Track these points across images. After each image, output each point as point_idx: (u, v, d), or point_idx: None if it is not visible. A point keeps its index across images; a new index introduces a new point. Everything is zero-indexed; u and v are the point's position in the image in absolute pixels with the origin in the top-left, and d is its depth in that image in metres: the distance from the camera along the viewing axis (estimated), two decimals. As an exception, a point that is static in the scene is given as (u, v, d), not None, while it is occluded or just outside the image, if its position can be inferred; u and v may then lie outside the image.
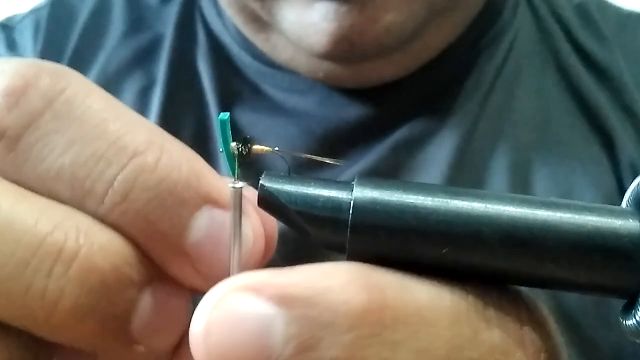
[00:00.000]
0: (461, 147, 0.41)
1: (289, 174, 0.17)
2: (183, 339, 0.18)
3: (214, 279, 0.17)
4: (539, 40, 0.46)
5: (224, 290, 0.15)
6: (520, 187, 0.40)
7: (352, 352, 0.14)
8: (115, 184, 0.16)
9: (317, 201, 0.16)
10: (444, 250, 0.15)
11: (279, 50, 0.42)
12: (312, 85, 0.43)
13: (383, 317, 0.15)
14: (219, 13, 0.46)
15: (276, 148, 0.19)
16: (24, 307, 0.15)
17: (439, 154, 0.41)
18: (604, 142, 0.42)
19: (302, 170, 0.40)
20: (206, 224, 0.17)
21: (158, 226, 0.16)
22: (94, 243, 0.16)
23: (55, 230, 0.16)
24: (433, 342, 0.15)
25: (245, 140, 0.18)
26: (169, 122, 0.42)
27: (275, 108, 0.43)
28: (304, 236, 0.17)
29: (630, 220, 0.16)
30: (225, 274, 0.17)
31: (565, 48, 0.45)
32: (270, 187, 0.17)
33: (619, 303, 0.17)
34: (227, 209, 0.17)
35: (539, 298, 0.18)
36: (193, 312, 0.18)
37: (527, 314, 0.17)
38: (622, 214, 0.16)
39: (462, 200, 0.16)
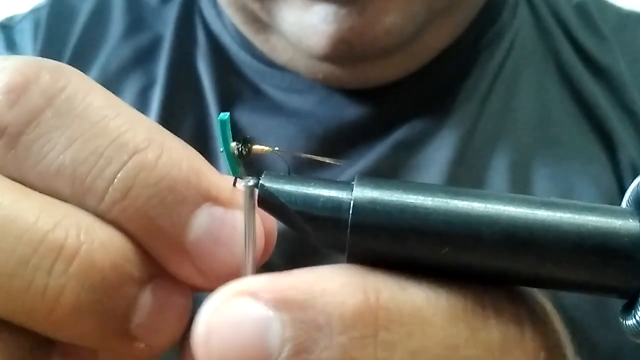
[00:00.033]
0: (461, 147, 0.41)
1: (289, 174, 0.17)
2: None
3: (214, 277, 0.17)
4: (538, 40, 0.46)
5: (224, 295, 0.15)
6: (520, 187, 0.40)
7: (348, 353, 0.14)
8: (116, 181, 0.16)
9: (317, 201, 0.16)
10: (444, 250, 0.15)
11: (279, 51, 0.42)
12: (312, 85, 0.43)
13: (378, 318, 0.15)
14: (219, 13, 0.46)
15: (276, 148, 0.19)
16: (24, 305, 0.15)
17: (439, 154, 0.41)
18: (604, 142, 0.42)
19: (302, 170, 0.40)
20: (206, 221, 0.17)
21: (158, 223, 0.16)
22: (95, 240, 0.16)
23: (56, 227, 0.16)
24: (429, 342, 0.15)
25: (245, 140, 0.18)
26: (169, 121, 0.42)
27: (275, 108, 0.43)
28: (304, 236, 0.17)
29: (630, 220, 0.16)
30: (236, 270, 0.17)
31: (565, 48, 0.45)
32: (270, 187, 0.17)
33: (619, 303, 0.17)
34: (226, 206, 0.17)
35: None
36: (193, 309, 0.18)
37: (527, 312, 0.17)
38: (622, 214, 0.16)
39: (462, 200, 0.16)
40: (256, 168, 0.18)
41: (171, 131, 0.18)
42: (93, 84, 0.18)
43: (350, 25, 0.36)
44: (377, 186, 0.16)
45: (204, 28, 0.47)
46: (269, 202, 0.17)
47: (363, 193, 0.16)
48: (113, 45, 0.47)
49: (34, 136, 0.16)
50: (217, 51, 0.46)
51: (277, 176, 0.17)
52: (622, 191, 0.27)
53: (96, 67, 0.46)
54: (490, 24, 0.45)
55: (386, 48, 0.38)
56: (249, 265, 0.17)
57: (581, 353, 0.19)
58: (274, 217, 0.17)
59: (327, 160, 0.20)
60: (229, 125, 0.17)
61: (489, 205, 0.16)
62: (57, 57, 0.46)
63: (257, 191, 0.17)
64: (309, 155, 0.21)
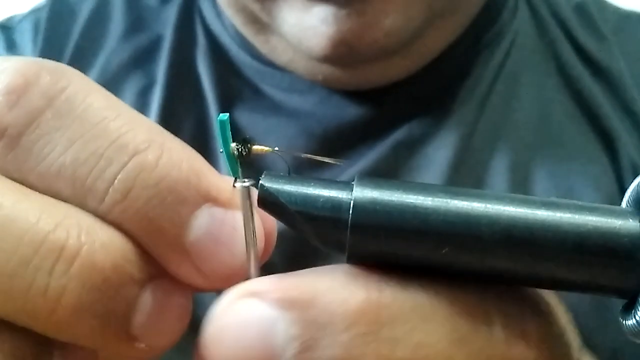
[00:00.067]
0: (461, 147, 0.41)
1: (289, 174, 0.17)
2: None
3: (214, 277, 0.17)
4: (538, 40, 0.46)
5: (231, 297, 0.16)
6: (520, 187, 0.40)
7: (351, 350, 0.15)
8: (116, 182, 0.16)
9: (317, 201, 0.16)
10: (444, 250, 0.15)
11: (279, 52, 0.42)
12: (311, 85, 0.43)
13: (380, 315, 0.15)
14: (218, 14, 0.46)
15: (276, 148, 0.19)
16: (25, 305, 0.15)
17: (439, 154, 0.41)
18: (604, 142, 0.42)
19: (302, 170, 0.40)
20: (206, 222, 0.17)
21: (158, 224, 0.16)
22: (96, 241, 0.16)
23: (57, 228, 0.16)
24: (432, 338, 0.15)
25: (245, 141, 0.18)
26: (169, 122, 0.42)
27: (275, 108, 0.43)
28: (304, 236, 0.17)
29: (630, 220, 0.16)
30: (236, 271, 0.17)
31: (565, 48, 0.45)
32: (270, 187, 0.17)
33: (618, 303, 0.17)
34: (226, 207, 0.17)
35: None
36: (193, 310, 0.18)
37: (530, 307, 0.17)
38: (622, 214, 0.16)
39: (462, 200, 0.16)
40: (256, 168, 0.18)
41: (171, 131, 0.18)
42: (93, 85, 0.18)
43: (349, 27, 0.35)
44: (377, 186, 0.16)
45: (204, 28, 0.47)
46: (269, 202, 0.17)
47: (363, 193, 0.16)
48: (113, 45, 0.47)
49: (34, 137, 0.16)
50: (217, 51, 0.46)
51: (277, 176, 0.17)
52: (622, 191, 0.27)
53: (96, 68, 0.46)
54: (490, 24, 0.45)
55: (386, 49, 0.38)
56: (252, 267, 0.17)
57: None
58: (274, 217, 0.17)
59: (327, 160, 0.20)
60: (228, 126, 0.17)
61: (488, 205, 0.16)
62: (57, 57, 0.46)
63: (255, 191, 0.17)
64: (309, 155, 0.21)
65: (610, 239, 0.15)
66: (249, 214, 0.17)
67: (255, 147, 0.18)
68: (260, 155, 0.18)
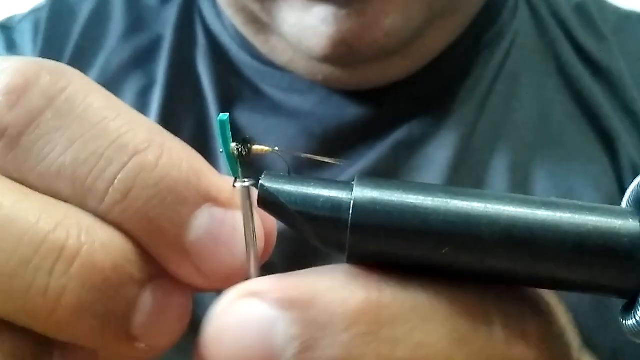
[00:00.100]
0: (461, 147, 0.41)
1: (289, 174, 0.17)
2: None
3: (214, 277, 0.17)
4: (538, 40, 0.46)
5: (231, 298, 0.16)
6: (520, 187, 0.40)
7: (351, 350, 0.15)
8: (116, 182, 0.16)
9: (317, 201, 0.16)
10: (444, 250, 0.15)
11: (279, 52, 0.42)
12: (311, 85, 0.43)
13: (380, 315, 0.15)
14: (218, 14, 0.46)
15: (276, 148, 0.19)
16: (25, 305, 0.15)
17: (439, 154, 0.41)
18: (604, 142, 0.42)
19: (302, 170, 0.40)
20: (206, 222, 0.17)
21: (158, 224, 0.16)
22: (96, 241, 0.16)
23: (57, 228, 0.16)
24: (432, 338, 0.15)
25: (245, 141, 0.18)
26: (169, 122, 0.42)
27: (275, 108, 0.43)
28: (304, 236, 0.17)
29: (630, 220, 0.16)
30: (236, 271, 0.17)
31: (565, 48, 0.45)
32: (270, 187, 0.17)
33: (619, 303, 0.17)
34: (226, 207, 0.17)
35: None
36: (193, 310, 0.18)
37: (530, 307, 0.17)
38: (622, 214, 0.16)
39: (462, 200, 0.16)
40: (256, 168, 0.18)
41: (171, 131, 0.18)
42: (93, 85, 0.18)
43: (349, 27, 0.36)
44: (377, 186, 0.16)
45: (204, 28, 0.47)
46: (269, 202, 0.17)
47: (363, 193, 0.16)
48: (113, 45, 0.47)
49: (34, 137, 0.16)
50: (217, 51, 0.46)
51: (277, 176, 0.17)
52: (623, 191, 0.27)
53: (96, 68, 0.46)
54: (490, 24, 0.45)
55: (386, 49, 0.38)
56: (252, 267, 0.17)
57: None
58: (274, 217, 0.17)
59: (327, 160, 0.20)
60: (228, 126, 0.17)
61: (488, 205, 0.16)
62: (57, 57, 0.46)
63: (255, 191, 0.17)
64: (309, 155, 0.21)
65: (610, 239, 0.15)
66: (249, 214, 0.17)
67: (255, 147, 0.18)
68: (260, 155, 0.18)
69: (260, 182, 0.17)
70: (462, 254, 0.16)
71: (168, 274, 0.17)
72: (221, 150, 0.18)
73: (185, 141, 0.18)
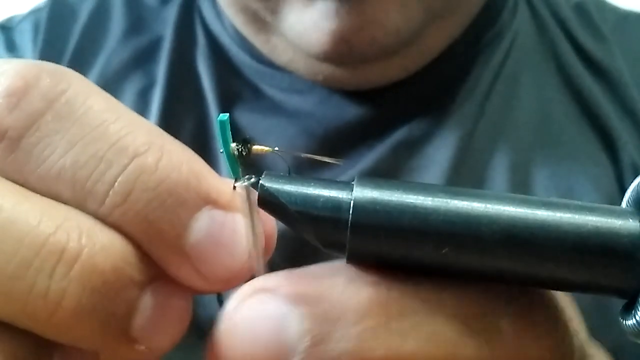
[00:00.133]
0: (461, 147, 0.41)
1: (289, 174, 0.17)
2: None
3: (214, 280, 0.17)
4: (538, 40, 0.46)
5: (242, 295, 0.16)
6: (520, 187, 0.40)
7: (361, 343, 0.15)
8: (116, 185, 0.16)
9: (317, 201, 0.16)
10: (444, 250, 0.15)
11: (279, 51, 0.42)
12: (312, 86, 0.43)
13: (389, 308, 0.15)
14: (218, 14, 0.46)
15: (276, 148, 0.19)
16: (26, 307, 0.15)
17: (439, 154, 0.41)
18: (604, 142, 0.42)
19: (302, 170, 0.40)
20: (206, 224, 0.17)
21: (158, 227, 0.16)
22: (96, 243, 0.16)
23: (57, 230, 0.16)
24: (441, 330, 0.16)
25: (245, 141, 0.18)
26: (169, 122, 0.42)
27: (275, 108, 0.43)
28: (304, 236, 0.17)
29: (630, 220, 0.16)
30: (236, 273, 0.17)
31: (565, 48, 0.45)
32: (270, 187, 0.17)
33: (619, 303, 0.17)
34: (226, 209, 0.17)
35: None
36: (193, 311, 0.18)
37: (537, 296, 0.17)
38: (622, 214, 0.16)
39: (462, 200, 0.16)
40: (256, 168, 0.18)
41: (171, 132, 0.18)
42: (93, 87, 0.18)
43: (349, 24, 0.36)
44: (377, 186, 0.16)
45: (204, 29, 0.47)
46: (269, 202, 0.17)
47: (363, 193, 0.16)
48: (113, 45, 0.47)
49: (34, 140, 0.16)
50: (217, 52, 0.46)
51: (277, 176, 0.17)
52: (623, 191, 0.27)
53: (96, 68, 0.46)
54: (490, 24, 0.45)
55: (385, 48, 0.38)
56: (259, 264, 0.18)
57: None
58: (274, 217, 0.17)
59: (326, 159, 0.20)
60: (228, 126, 0.17)
61: (488, 205, 0.16)
62: (57, 58, 0.46)
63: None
64: (309, 155, 0.21)
65: (610, 239, 0.15)
66: (253, 211, 0.17)
67: (255, 147, 0.18)
68: (260, 155, 0.18)
69: (260, 182, 0.17)
70: (462, 254, 0.16)
71: (168, 276, 0.17)
72: (221, 150, 0.18)
73: (185, 141, 0.18)
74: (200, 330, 0.19)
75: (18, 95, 0.17)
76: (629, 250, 0.15)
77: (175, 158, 0.17)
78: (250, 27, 0.42)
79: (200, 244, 0.17)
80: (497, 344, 0.16)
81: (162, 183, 0.16)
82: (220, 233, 0.17)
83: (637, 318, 0.16)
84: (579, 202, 0.16)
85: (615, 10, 0.50)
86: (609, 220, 0.16)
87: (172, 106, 0.43)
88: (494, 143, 0.41)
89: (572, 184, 0.40)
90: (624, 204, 0.17)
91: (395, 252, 0.16)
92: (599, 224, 0.15)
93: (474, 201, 0.16)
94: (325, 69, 0.40)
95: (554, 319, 0.17)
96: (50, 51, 0.47)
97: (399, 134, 0.41)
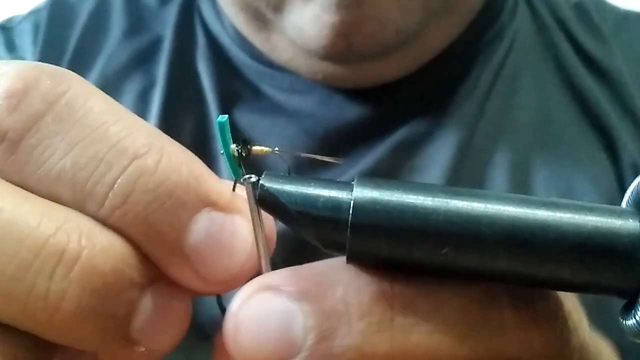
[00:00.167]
0: (461, 147, 0.41)
1: (289, 174, 0.17)
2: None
3: (213, 281, 0.17)
4: (538, 40, 0.46)
5: (247, 292, 0.16)
6: (520, 187, 0.40)
7: (366, 338, 0.15)
8: (116, 186, 0.16)
9: (317, 201, 0.16)
10: (444, 250, 0.15)
11: (279, 50, 0.42)
12: (311, 86, 0.43)
13: (393, 304, 0.16)
14: (218, 14, 0.46)
15: (276, 148, 0.19)
16: (26, 309, 0.15)
17: (439, 154, 0.41)
18: (604, 142, 0.42)
19: (302, 170, 0.40)
20: (206, 226, 0.17)
21: (158, 228, 0.16)
22: (96, 245, 0.16)
23: (57, 232, 0.16)
24: (444, 324, 0.16)
25: (244, 142, 0.18)
26: (169, 122, 0.42)
27: (275, 108, 0.43)
28: (304, 236, 0.17)
29: (630, 220, 0.16)
30: (236, 275, 0.18)
31: (565, 47, 0.45)
32: (270, 187, 0.17)
33: (619, 303, 0.17)
34: (226, 211, 0.17)
35: None
36: (193, 313, 0.18)
37: (539, 298, 0.17)
38: (622, 214, 0.16)
39: (462, 200, 0.16)
40: (256, 169, 0.18)
41: (171, 132, 0.18)
42: (93, 89, 0.18)
43: (349, 19, 0.36)
44: (377, 186, 0.16)
45: (204, 29, 0.47)
46: (269, 202, 0.17)
47: (363, 193, 0.16)
48: (113, 46, 0.47)
49: (34, 141, 0.17)
50: (217, 52, 0.46)
51: (277, 176, 0.17)
52: (623, 191, 0.27)
53: (96, 69, 0.46)
54: (490, 24, 0.45)
55: (384, 45, 0.38)
56: (264, 261, 0.18)
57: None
58: (274, 217, 0.17)
59: (327, 159, 0.20)
60: (228, 127, 0.18)
61: (489, 205, 0.16)
62: (57, 58, 0.46)
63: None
64: (309, 155, 0.21)
65: (610, 239, 0.15)
66: (257, 209, 0.17)
67: (255, 148, 0.18)
68: (260, 156, 0.18)
69: (260, 182, 0.17)
70: (462, 254, 0.16)
71: (168, 278, 0.17)
72: (221, 151, 0.18)
73: (185, 142, 0.18)
74: (201, 331, 0.19)
75: (18, 97, 0.17)
76: (629, 250, 0.15)
77: (175, 160, 0.17)
78: (251, 26, 0.42)
79: (199, 245, 0.17)
80: (500, 336, 0.16)
81: (162, 185, 0.16)
82: (219, 235, 0.17)
83: (637, 318, 0.16)
84: (579, 202, 0.16)
85: (615, 10, 0.50)
86: (609, 220, 0.16)
87: (172, 106, 0.43)
88: (494, 143, 0.41)
89: (572, 184, 0.40)
90: (624, 204, 0.17)
91: (395, 252, 0.16)
92: (599, 224, 0.15)
93: (474, 201, 0.16)
94: (325, 68, 0.40)
95: (555, 311, 0.17)
96: (50, 52, 0.47)
97: (399, 134, 0.41)
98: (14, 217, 0.16)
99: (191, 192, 0.17)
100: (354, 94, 0.42)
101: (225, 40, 0.46)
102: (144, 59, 0.46)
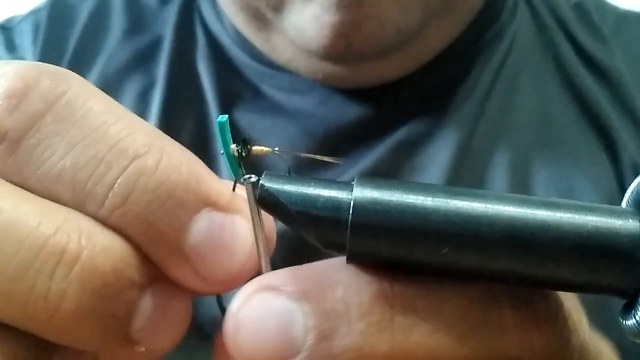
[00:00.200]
0: (461, 147, 0.41)
1: (289, 174, 0.17)
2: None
3: (213, 281, 0.17)
4: (538, 40, 0.46)
5: (247, 292, 0.16)
6: (520, 187, 0.40)
7: (367, 337, 0.15)
8: (116, 186, 0.16)
9: (317, 201, 0.16)
10: (444, 250, 0.15)
11: (279, 50, 0.42)
12: (311, 86, 0.43)
13: (393, 304, 0.16)
14: (218, 14, 0.46)
15: (276, 148, 0.19)
16: (26, 308, 0.15)
17: (439, 154, 0.41)
18: (604, 142, 0.42)
19: (302, 170, 0.40)
20: (205, 226, 0.17)
21: (158, 228, 0.16)
22: (96, 245, 0.16)
23: (57, 232, 0.16)
24: (444, 324, 0.16)
25: (244, 142, 0.18)
26: (169, 122, 0.42)
27: (275, 108, 0.43)
28: (304, 236, 0.17)
29: (630, 220, 0.16)
30: (235, 275, 0.18)
31: (565, 47, 0.45)
32: (270, 187, 0.17)
33: (619, 303, 0.17)
34: (226, 211, 0.17)
35: None
36: (193, 314, 0.18)
37: (538, 293, 0.17)
38: (622, 214, 0.16)
39: (462, 200, 0.16)
40: (256, 169, 0.18)
41: (171, 132, 0.18)
42: (93, 89, 0.18)
43: (349, 19, 0.36)
44: (377, 186, 0.16)
45: (204, 29, 0.47)
46: (269, 202, 0.17)
47: (363, 193, 0.16)
48: (113, 46, 0.47)
49: (34, 141, 0.16)
50: (217, 52, 0.46)
51: (277, 176, 0.17)
52: (623, 191, 0.27)
53: (96, 69, 0.46)
54: (490, 24, 0.45)
55: (384, 45, 0.38)
56: (264, 261, 0.18)
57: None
58: (274, 217, 0.17)
59: (326, 159, 0.20)
60: (228, 128, 0.18)
61: (489, 205, 0.16)
62: (57, 58, 0.46)
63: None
64: (309, 155, 0.21)
65: (610, 239, 0.15)
66: (257, 209, 0.17)
67: (255, 148, 0.18)
68: (260, 156, 0.18)
69: (260, 182, 0.17)
70: (462, 254, 0.16)
71: (168, 278, 0.17)
72: (221, 151, 0.18)
73: (185, 142, 0.18)
74: (201, 331, 0.19)
75: (18, 97, 0.17)
76: (629, 250, 0.15)
77: (175, 160, 0.17)
78: (251, 26, 0.42)
79: (199, 245, 0.17)
80: (500, 336, 0.16)
81: (162, 185, 0.16)
82: (219, 235, 0.17)
83: (637, 318, 0.16)
84: (579, 202, 0.16)
85: (614, 10, 0.50)
86: (609, 220, 0.16)
87: (172, 106, 0.43)
88: (494, 143, 0.41)
89: (572, 184, 0.40)
90: (623, 204, 0.17)
91: (395, 252, 0.16)
92: (599, 224, 0.15)
93: (474, 201, 0.16)
94: (325, 68, 0.40)
95: (555, 311, 0.17)
96: (50, 52, 0.47)
97: (399, 134, 0.41)
98: (14, 217, 0.16)
99: (191, 192, 0.17)
100: (354, 94, 0.42)
101: (225, 40, 0.46)
102: (144, 59, 0.46)
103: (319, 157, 0.20)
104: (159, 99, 0.43)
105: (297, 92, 0.43)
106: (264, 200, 0.17)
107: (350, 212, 0.16)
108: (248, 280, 0.17)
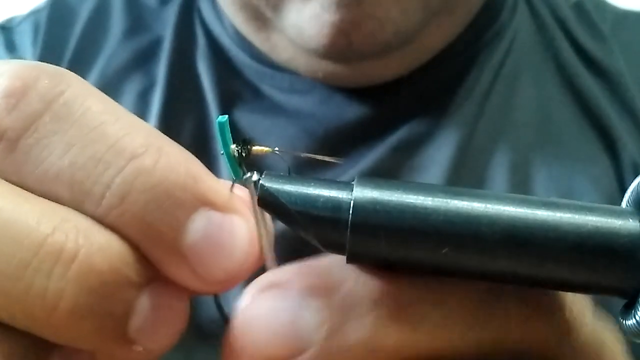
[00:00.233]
0: (461, 147, 0.41)
1: (289, 174, 0.17)
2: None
3: (211, 281, 0.17)
4: (538, 39, 0.46)
5: (254, 290, 0.16)
6: (520, 187, 0.40)
7: (375, 331, 0.15)
8: (113, 186, 0.16)
9: (317, 201, 0.16)
10: (444, 251, 0.15)
11: (279, 50, 0.42)
12: (312, 86, 0.43)
13: (400, 297, 0.16)
14: (218, 14, 0.46)
15: (276, 148, 0.19)
16: (24, 308, 0.15)
17: (439, 154, 0.41)
18: (604, 142, 0.42)
19: (302, 170, 0.40)
20: (203, 225, 0.17)
21: (155, 228, 0.16)
22: (93, 244, 0.16)
23: (55, 231, 0.16)
24: (450, 318, 0.16)
25: (244, 142, 0.18)
26: (169, 123, 0.43)
27: (275, 108, 0.43)
28: (304, 236, 0.17)
29: (630, 220, 0.16)
30: (234, 275, 0.17)
31: (565, 47, 0.45)
32: (270, 187, 0.17)
33: (619, 303, 0.17)
34: (224, 211, 0.17)
35: None
36: (191, 313, 0.18)
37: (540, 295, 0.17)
38: (622, 214, 0.16)
39: (462, 200, 0.16)
40: (256, 169, 0.18)
41: (171, 133, 0.18)
42: (92, 89, 0.18)
43: (349, 18, 0.36)
44: (377, 186, 0.16)
45: (204, 29, 0.47)
46: (269, 202, 0.17)
47: (363, 193, 0.16)
48: (113, 46, 0.47)
49: (32, 141, 0.16)
50: (217, 52, 0.46)
51: (277, 176, 0.17)
52: (623, 191, 0.27)
53: (96, 69, 0.46)
54: (490, 23, 0.45)
55: (383, 44, 0.38)
56: (269, 258, 0.18)
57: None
58: (274, 217, 0.17)
59: (326, 159, 0.20)
60: (228, 128, 0.18)
61: (489, 205, 0.16)
62: (57, 59, 0.46)
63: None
64: (309, 155, 0.21)
65: (610, 239, 0.15)
66: (259, 207, 0.17)
67: (255, 148, 0.18)
68: (260, 156, 0.18)
69: (260, 182, 0.17)
70: (462, 254, 0.16)
71: (165, 277, 0.17)
72: (221, 152, 0.18)
73: (185, 142, 0.18)
74: (199, 331, 0.19)
75: (16, 97, 0.17)
76: (629, 250, 0.15)
77: (173, 160, 0.17)
78: (251, 25, 0.42)
79: (197, 245, 0.17)
80: (506, 328, 0.16)
81: (160, 184, 0.16)
82: (217, 234, 0.17)
83: (637, 318, 0.16)
84: (579, 202, 0.16)
85: (614, 10, 0.50)
86: (609, 220, 0.16)
87: (172, 107, 0.43)
88: (494, 143, 0.41)
89: (572, 184, 0.40)
90: (623, 204, 0.17)
91: (395, 252, 0.16)
92: (599, 224, 0.15)
93: (474, 201, 0.16)
94: (325, 67, 0.40)
95: (559, 302, 0.17)
96: (50, 52, 0.47)
97: (399, 134, 0.41)
98: (12, 217, 0.16)
99: (189, 191, 0.17)
100: (354, 93, 0.42)
101: (225, 40, 0.46)
102: (144, 59, 0.46)
103: (319, 157, 0.20)
104: (159, 99, 0.43)
105: (297, 92, 0.43)
106: (264, 200, 0.17)
107: (350, 212, 0.16)
108: (247, 280, 0.17)
